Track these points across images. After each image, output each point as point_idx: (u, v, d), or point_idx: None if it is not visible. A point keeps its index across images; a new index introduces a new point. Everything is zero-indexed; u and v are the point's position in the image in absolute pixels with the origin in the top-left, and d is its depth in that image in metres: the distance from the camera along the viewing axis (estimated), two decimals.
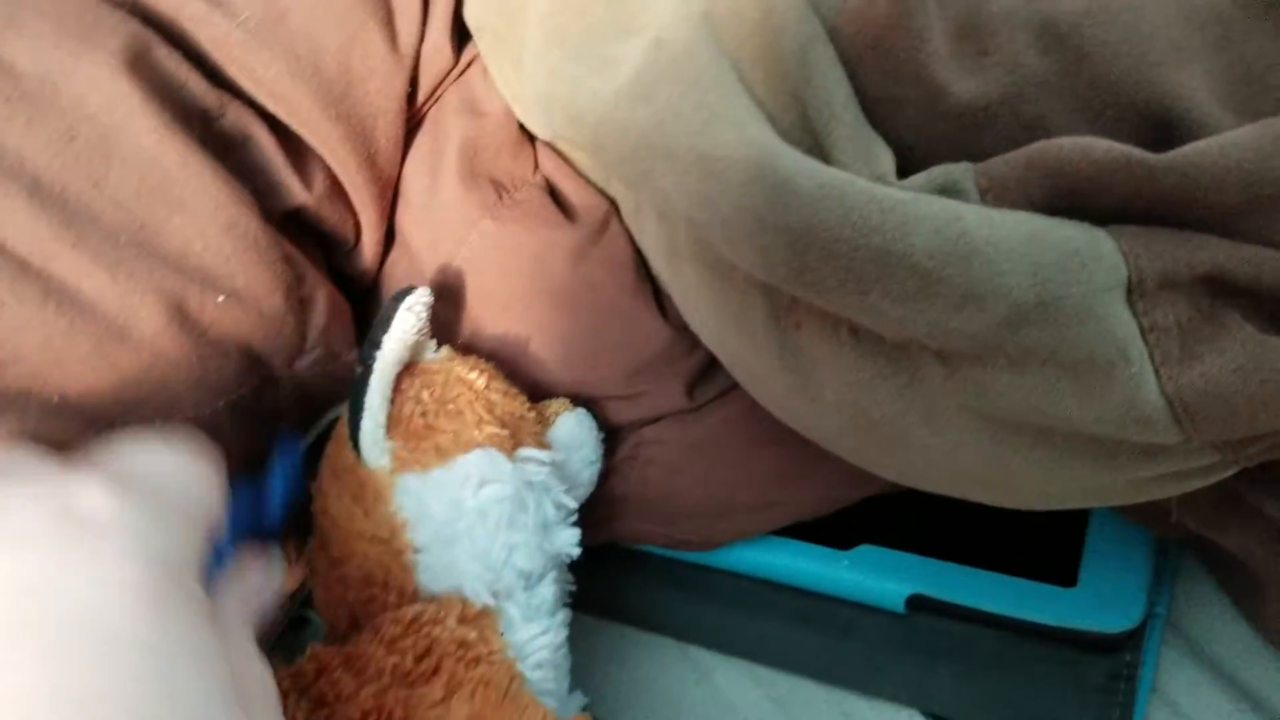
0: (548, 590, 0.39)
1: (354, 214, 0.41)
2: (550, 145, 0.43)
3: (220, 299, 0.36)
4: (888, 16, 0.31)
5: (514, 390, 0.41)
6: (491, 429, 0.39)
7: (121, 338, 0.34)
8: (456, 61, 0.42)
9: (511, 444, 0.39)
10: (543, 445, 0.41)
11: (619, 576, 0.49)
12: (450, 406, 0.39)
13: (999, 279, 0.28)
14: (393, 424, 0.38)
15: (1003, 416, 0.31)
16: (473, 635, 0.36)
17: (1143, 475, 0.32)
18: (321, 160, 0.39)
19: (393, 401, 0.38)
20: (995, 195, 0.29)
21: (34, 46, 0.34)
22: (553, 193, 0.43)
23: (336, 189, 0.40)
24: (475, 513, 0.37)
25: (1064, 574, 0.42)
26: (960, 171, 0.30)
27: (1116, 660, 0.40)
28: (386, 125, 0.40)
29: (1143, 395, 0.28)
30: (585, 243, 0.42)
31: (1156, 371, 0.28)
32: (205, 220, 0.35)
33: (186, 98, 0.36)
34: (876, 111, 0.32)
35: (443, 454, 0.38)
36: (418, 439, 0.38)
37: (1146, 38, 0.29)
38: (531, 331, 0.42)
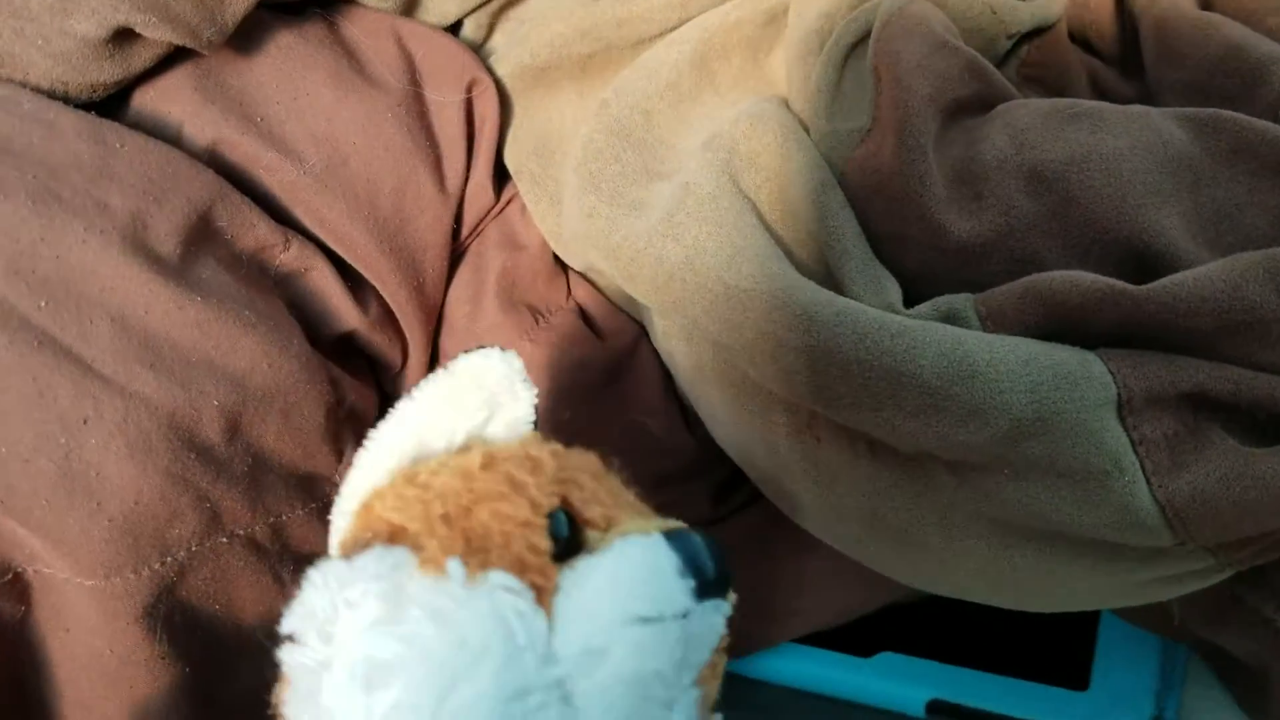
0: None
1: (402, 339, 0.44)
2: (583, 275, 0.47)
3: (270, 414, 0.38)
4: (891, 165, 0.34)
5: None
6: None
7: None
8: (497, 200, 0.46)
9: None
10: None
11: None
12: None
13: (1000, 397, 0.30)
14: None
15: (1010, 522, 0.33)
16: None
17: (1142, 578, 0.34)
18: (374, 289, 0.43)
19: None
20: (994, 322, 0.32)
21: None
22: (585, 317, 0.46)
23: (387, 316, 0.43)
24: None
25: (1076, 678, 0.44)
26: (961, 301, 0.33)
27: None
28: (434, 258, 0.44)
29: (1136, 502, 0.30)
30: (616, 362, 0.45)
31: (1148, 480, 0.30)
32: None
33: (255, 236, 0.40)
34: (883, 247, 0.35)
35: None
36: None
37: (1126, 183, 0.32)
38: (566, 442, 0.45)
